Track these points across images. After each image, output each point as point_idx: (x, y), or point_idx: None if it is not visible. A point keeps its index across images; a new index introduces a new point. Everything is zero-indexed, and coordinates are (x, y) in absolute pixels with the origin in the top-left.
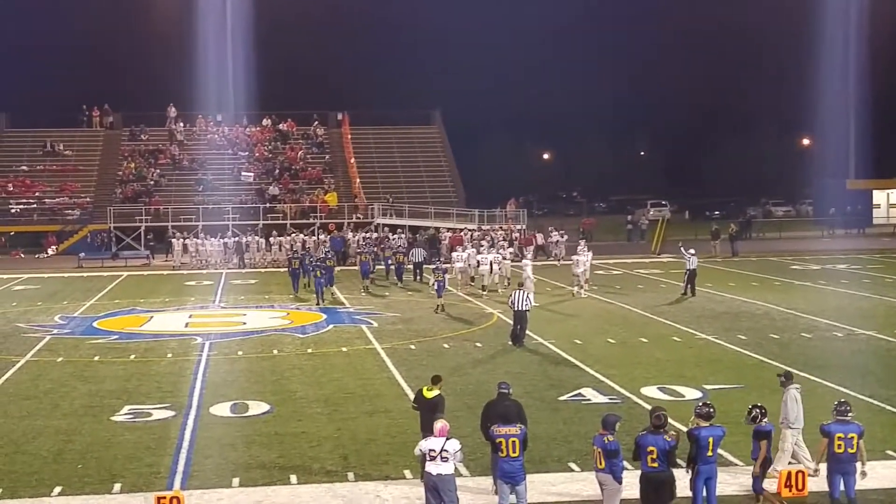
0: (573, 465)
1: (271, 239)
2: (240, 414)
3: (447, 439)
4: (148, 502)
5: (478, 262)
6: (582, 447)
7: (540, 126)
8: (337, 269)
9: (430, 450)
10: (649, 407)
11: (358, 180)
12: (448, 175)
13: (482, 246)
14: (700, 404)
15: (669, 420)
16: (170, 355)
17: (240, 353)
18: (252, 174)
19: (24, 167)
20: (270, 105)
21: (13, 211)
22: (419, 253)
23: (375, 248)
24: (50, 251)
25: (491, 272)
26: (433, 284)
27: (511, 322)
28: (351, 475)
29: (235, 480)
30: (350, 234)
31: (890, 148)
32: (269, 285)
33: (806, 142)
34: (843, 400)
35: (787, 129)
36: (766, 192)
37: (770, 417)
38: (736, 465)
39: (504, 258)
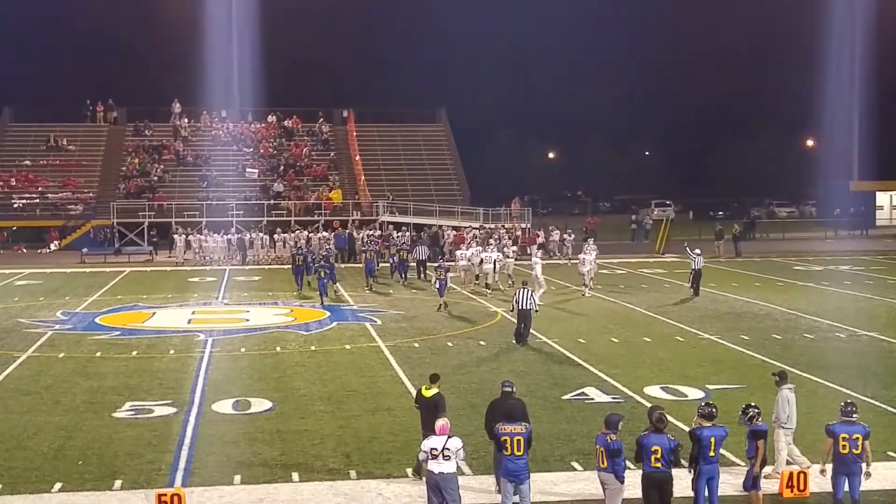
0: (576, 465)
1: (275, 236)
2: (242, 411)
3: (449, 437)
4: (149, 499)
5: (481, 259)
6: (585, 446)
7: (545, 125)
8: (342, 265)
9: (432, 448)
10: None
11: (363, 177)
12: (453, 173)
13: (489, 244)
14: (703, 404)
15: (671, 420)
16: (172, 352)
17: (242, 349)
18: (256, 171)
19: (28, 162)
20: (275, 101)
21: (16, 206)
22: (422, 250)
23: (379, 246)
24: (53, 246)
25: (494, 270)
26: (435, 283)
27: (515, 320)
28: (353, 473)
29: (237, 478)
30: (356, 232)
31: (894, 150)
32: (273, 282)
33: (810, 143)
34: (849, 401)
35: (792, 131)
36: (770, 193)
37: (763, 417)
38: (738, 465)
39: (507, 256)
